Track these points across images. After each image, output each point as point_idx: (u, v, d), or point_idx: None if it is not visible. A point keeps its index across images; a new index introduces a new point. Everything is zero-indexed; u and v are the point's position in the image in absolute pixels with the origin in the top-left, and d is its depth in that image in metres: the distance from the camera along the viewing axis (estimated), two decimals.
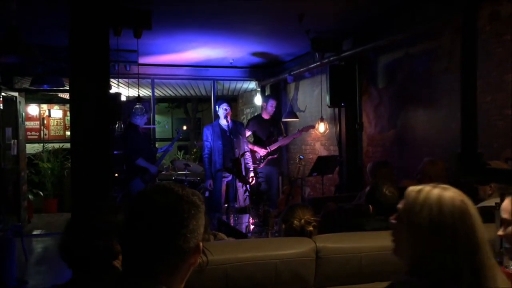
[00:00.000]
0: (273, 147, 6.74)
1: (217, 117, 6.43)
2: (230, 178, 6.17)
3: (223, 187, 6.23)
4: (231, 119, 6.17)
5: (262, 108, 7.05)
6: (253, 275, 2.14)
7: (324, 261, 2.25)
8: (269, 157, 6.74)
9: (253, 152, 6.80)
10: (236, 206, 5.34)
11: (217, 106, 6.33)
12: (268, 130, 6.83)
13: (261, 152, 6.70)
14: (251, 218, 4.57)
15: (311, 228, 2.53)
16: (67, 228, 1.73)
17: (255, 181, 4.84)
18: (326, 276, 2.27)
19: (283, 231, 2.64)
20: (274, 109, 6.81)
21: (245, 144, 6.22)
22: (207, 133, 6.20)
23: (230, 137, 6.07)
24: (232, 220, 4.72)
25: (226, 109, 6.11)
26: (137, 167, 5.92)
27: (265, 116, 6.87)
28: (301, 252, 2.24)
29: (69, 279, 1.64)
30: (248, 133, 6.96)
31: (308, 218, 2.57)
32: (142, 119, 6.13)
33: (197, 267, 1.24)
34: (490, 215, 2.10)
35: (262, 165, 6.69)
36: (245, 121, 10.77)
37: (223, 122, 6.15)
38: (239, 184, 5.98)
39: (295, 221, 2.56)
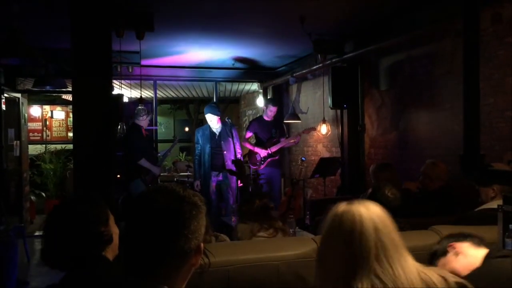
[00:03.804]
0: (274, 148, 6.75)
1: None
2: (221, 177, 6.27)
3: (212, 188, 6.30)
4: (221, 121, 6.33)
5: (264, 110, 7.08)
6: (255, 277, 2.14)
7: None
8: (270, 159, 6.75)
9: (253, 154, 6.81)
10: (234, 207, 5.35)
11: (204, 113, 6.44)
12: (269, 131, 6.85)
13: (262, 153, 6.71)
14: None
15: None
16: (49, 221, 1.73)
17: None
18: None
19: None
20: (273, 114, 6.83)
21: (237, 145, 6.22)
22: (198, 136, 6.42)
23: (219, 139, 6.26)
24: (233, 221, 4.73)
25: (211, 120, 6.29)
26: (138, 168, 5.92)
27: (267, 118, 6.89)
28: (303, 253, 2.24)
29: (63, 277, 1.64)
30: (249, 134, 6.98)
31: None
32: (145, 120, 6.14)
33: (198, 268, 1.25)
34: (492, 217, 2.10)
35: (262, 166, 6.71)
36: (247, 122, 10.79)
37: (213, 125, 6.32)
38: (236, 185, 6.05)
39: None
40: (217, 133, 6.29)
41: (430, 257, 2.05)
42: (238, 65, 7.95)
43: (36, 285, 5.06)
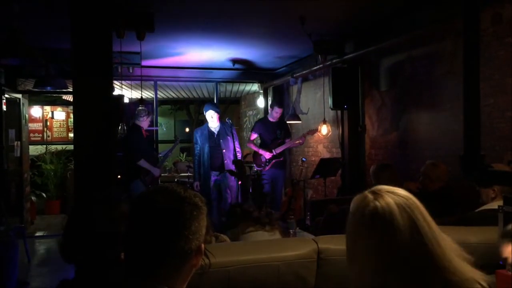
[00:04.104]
0: (279, 150, 6.73)
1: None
2: (220, 177, 6.28)
3: (212, 187, 6.32)
4: (219, 121, 6.32)
5: (269, 111, 7.07)
6: (256, 277, 2.14)
7: (326, 262, 2.25)
8: (274, 160, 6.74)
9: (258, 155, 6.80)
10: None
11: (204, 111, 6.44)
12: (274, 132, 6.84)
13: (266, 155, 6.70)
14: None
15: None
16: (71, 219, 1.71)
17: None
18: (326, 277, 2.27)
19: None
20: (279, 116, 6.83)
21: (236, 143, 6.23)
22: (196, 136, 6.43)
23: (217, 139, 6.26)
24: None
25: (212, 117, 6.24)
26: (138, 168, 5.92)
27: (272, 119, 6.89)
28: (303, 254, 2.24)
29: (77, 274, 1.63)
30: (254, 136, 6.98)
31: None
32: (146, 121, 6.15)
33: (199, 269, 1.25)
34: (492, 218, 2.09)
35: (267, 168, 6.70)
36: (247, 123, 10.80)
37: (212, 125, 6.26)
38: (237, 185, 6.06)
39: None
40: (216, 132, 6.29)
41: (501, 236, 1.84)
42: (238, 65, 7.96)
43: (36, 285, 5.06)
